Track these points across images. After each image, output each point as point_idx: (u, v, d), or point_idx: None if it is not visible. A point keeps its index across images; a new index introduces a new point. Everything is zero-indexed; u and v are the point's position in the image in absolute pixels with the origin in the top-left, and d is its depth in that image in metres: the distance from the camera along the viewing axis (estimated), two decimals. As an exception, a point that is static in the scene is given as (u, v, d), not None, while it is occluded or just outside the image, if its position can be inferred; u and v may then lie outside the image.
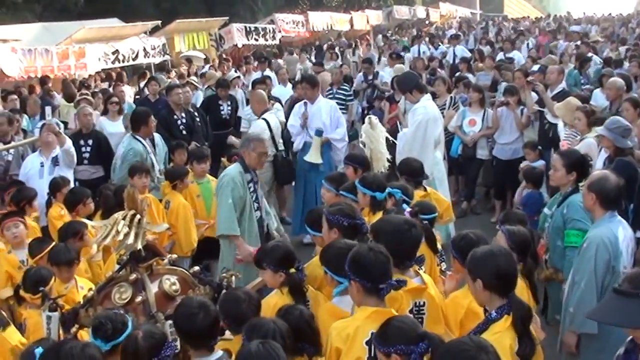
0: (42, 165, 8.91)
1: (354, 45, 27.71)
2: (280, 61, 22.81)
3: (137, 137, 9.24)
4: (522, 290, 4.92)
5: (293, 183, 11.32)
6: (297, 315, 4.38)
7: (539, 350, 4.34)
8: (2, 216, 7.02)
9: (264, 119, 10.64)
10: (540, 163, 10.30)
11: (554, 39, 25.70)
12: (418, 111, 9.85)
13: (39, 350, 3.95)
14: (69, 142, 9.37)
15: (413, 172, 7.68)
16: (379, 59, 22.42)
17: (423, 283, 4.80)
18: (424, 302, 4.77)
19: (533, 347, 4.13)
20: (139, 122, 9.40)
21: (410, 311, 4.58)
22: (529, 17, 50.61)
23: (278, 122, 10.95)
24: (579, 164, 6.52)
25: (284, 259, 5.03)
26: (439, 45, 24.81)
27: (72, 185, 8.71)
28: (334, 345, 4.09)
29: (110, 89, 15.80)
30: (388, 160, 8.50)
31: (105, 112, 12.00)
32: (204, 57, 22.19)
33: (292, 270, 4.97)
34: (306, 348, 4.25)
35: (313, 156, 10.52)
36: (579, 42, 21.58)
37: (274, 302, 4.87)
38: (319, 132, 10.46)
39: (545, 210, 6.92)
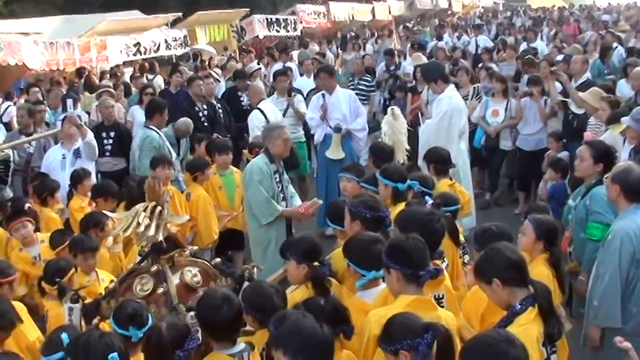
0: (64, 158, 8.94)
1: (376, 36, 27.60)
2: (307, 51, 22.75)
3: (151, 126, 9.26)
4: (548, 279, 4.89)
5: (315, 175, 11.34)
6: (326, 300, 4.34)
7: (564, 342, 4.30)
8: (8, 218, 7.05)
9: (258, 108, 10.67)
10: (564, 154, 10.20)
11: (578, 29, 25.44)
12: (443, 102, 9.77)
13: (65, 336, 3.96)
14: (90, 135, 9.41)
15: (441, 160, 7.66)
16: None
17: (442, 274, 4.76)
18: (443, 295, 4.77)
19: (560, 328, 4.11)
20: (153, 111, 9.45)
21: (430, 305, 4.54)
22: (554, 6, 50.04)
23: (277, 111, 10.96)
24: (606, 155, 6.45)
25: (309, 251, 4.99)
26: (462, 35, 24.67)
27: (93, 177, 8.71)
28: (374, 333, 4.02)
29: (129, 80, 15.88)
30: (407, 151, 8.48)
31: (140, 102, 12.11)
32: (214, 51, 21.98)
33: (316, 263, 4.94)
34: (343, 329, 4.19)
35: (334, 152, 10.58)
36: (604, 32, 21.31)
37: (299, 296, 4.80)
38: (338, 129, 10.48)
39: (570, 201, 6.85)
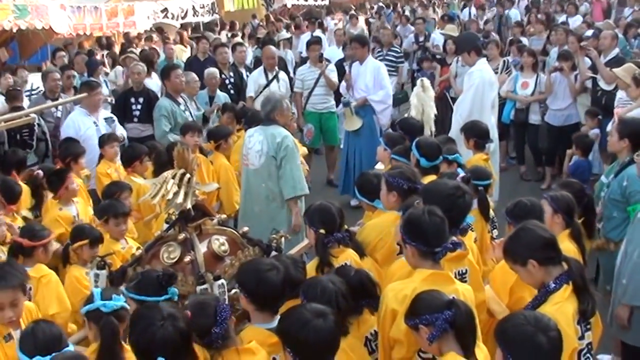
0: (97, 125, 8.89)
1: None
2: (334, 21, 22.67)
3: (168, 93, 9.52)
4: (569, 253, 4.84)
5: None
6: (354, 273, 4.35)
7: (597, 318, 4.27)
8: (58, 173, 6.99)
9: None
10: (594, 132, 10.09)
11: (608, 6, 24.99)
12: (474, 75, 9.70)
13: (97, 291, 3.96)
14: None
15: (482, 134, 7.64)
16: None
17: (464, 249, 4.74)
18: (466, 270, 4.73)
19: (594, 304, 4.09)
20: (162, 78, 9.96)
21: (453, 280, 4.51)
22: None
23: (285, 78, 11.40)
24: (632, 131, 6.39)
25: (322, 217, 4.94)
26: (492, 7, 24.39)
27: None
28: (390, 307, 4.03)
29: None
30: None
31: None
32: (178, 27, 21.27)
33: (323, 231, 4.87)
34: (369, 303, 4.21)
35: (348, 123, 10.66)
36: (637, 7, 20.94)
37: (313, 266, 4.82)
38: (346, 103, 10.58)
39: (602, 178, 6.78)
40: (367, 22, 23.54)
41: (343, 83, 11.05)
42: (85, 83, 9.59)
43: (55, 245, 5.83)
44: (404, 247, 4.28)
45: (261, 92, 10.97)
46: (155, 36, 18.19)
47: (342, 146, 11.33)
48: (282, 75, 11.47)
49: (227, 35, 19.55)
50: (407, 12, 24.85)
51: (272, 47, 12.03)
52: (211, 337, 3.62)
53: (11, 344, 4.28)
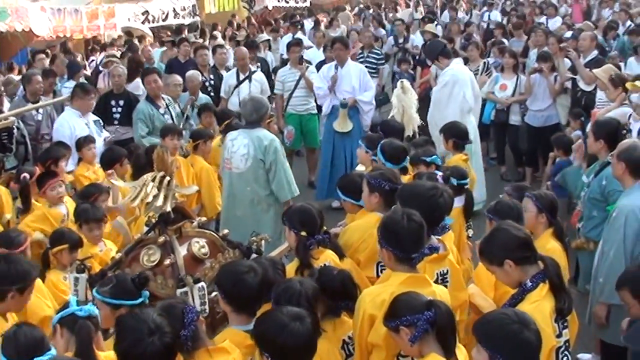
0: (89, 127, 8.87)
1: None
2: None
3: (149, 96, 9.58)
4: (561, 255, 4.92)
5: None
6: (337, 273, 4.37)
7: (574, 316, 4.31)
8: (43, 176, 6.97)
9: None
10: (577, 133, 10.15)
11: (587, 7, 25.11)
12: (446, 73, 9.99)
13: (73, 299, 3.95)
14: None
15: (461, 135, 7.70)
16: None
17: (445, 250, 4.77)
18: (447, 270, 4.75)
19: (571, 302, 4.13)
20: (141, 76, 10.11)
21: (435, 281, 4.52)
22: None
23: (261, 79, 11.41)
24: (606, 132, 6.46)
25: (301, 219, 4.94)
26: (472, 10, 24.49)
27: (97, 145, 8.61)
28: (368, 312, 4.01)
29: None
30: (418, 126, 8.46)
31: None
32: (146, 31, 21.10)
33: (304, 233, 4.87)
34: (348, 305, 4.23)
35: (341, 125, 10.57)
36: (618, 8, 21.05)
37: (293, 268, 4.84)
38: (344, 104, 10.47)
39: (584, 178, 6.84)
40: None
41: (318, 83, 10.98)
42: (79, 86, 9.59)
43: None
44: (380, 250, 4.28)
45: (232, 92, 11.09)
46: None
47: (321, 147, 11.28)
48: (257, 76, 11.46)
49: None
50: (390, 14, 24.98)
51: (244, 49, 12.12)
52: (180, 341, 3.59)
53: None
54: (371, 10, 26.50)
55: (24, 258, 5.31)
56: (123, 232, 6.55)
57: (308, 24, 21.98)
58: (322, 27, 20.77)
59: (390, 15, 24.22)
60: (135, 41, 17.42)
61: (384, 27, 20.28)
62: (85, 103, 9.08)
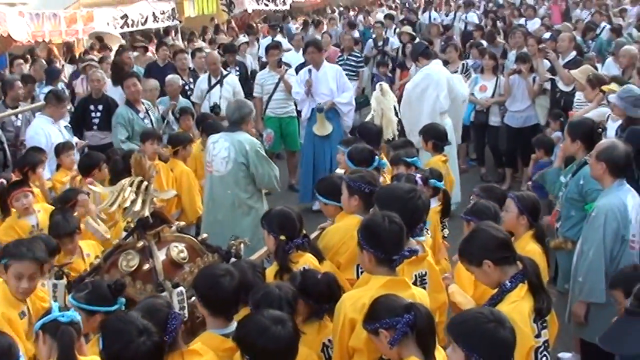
0: (62, 133, 8.84)
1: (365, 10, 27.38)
2: (294, 26, 22.70)
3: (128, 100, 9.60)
4: (541, 256, 4.94)
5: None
6: (322, 275, 4.37)
7: (553, 316, 4.33)
8: (9, 187, 6.93)
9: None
10: (557, 134, 10.21)
11: (566, 8, 25.23)
12: (421, 72, 10.14)
13: (56, 305, 3.93)
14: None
15: (440, 137, 7.77)
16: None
17: (423, 251, 4.78)
18: (426, 272, 4.77)
19: (550, 302, 4.15)
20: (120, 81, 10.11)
21: (414, 283, 4.53)
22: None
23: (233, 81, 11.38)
24: (582, 133, 6.49)
25: (280, 223, 4.93)
26: (449, 11, 24.52)
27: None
28: (349, 316, 4.00)
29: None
30: (397, 129, 8.48)
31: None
32: (119, 37, 20.96)
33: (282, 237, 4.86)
34: (332, 308, 4.21)
35: (320, 128, 10.56)
36: (593, 10, 21.18)
37: (272, 272, 4.82)
38: (320, 109, 10.47)
39: (562, 178, 6.87)
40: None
41: (296, 88, 10.94)
42: (54, 94, 9.48)
43: None
44: (360, 252, 4.26)
45: (204, 97, 11.07)
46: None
47: (302, 151, 11.26)
48: (229, 79, 11.37)
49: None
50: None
51: (215, 53, 12.22)
52: None
53: (25, 320, 4.78)
54: (351, 13, 26.50)
55: None
56: (93, 231, 6.52)
57: (292, 25, 21.94)
58: (311, 29, 20.78)
59: (364, 18, 24.17)
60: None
61: (355, 27, 20.20)
62: (58, 111, 9.09)
